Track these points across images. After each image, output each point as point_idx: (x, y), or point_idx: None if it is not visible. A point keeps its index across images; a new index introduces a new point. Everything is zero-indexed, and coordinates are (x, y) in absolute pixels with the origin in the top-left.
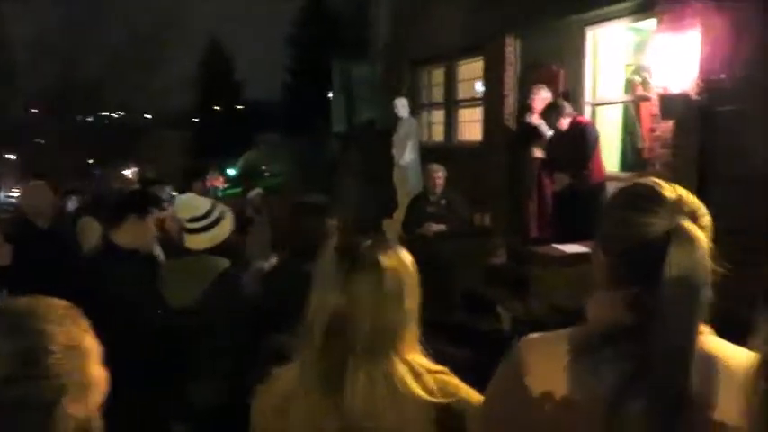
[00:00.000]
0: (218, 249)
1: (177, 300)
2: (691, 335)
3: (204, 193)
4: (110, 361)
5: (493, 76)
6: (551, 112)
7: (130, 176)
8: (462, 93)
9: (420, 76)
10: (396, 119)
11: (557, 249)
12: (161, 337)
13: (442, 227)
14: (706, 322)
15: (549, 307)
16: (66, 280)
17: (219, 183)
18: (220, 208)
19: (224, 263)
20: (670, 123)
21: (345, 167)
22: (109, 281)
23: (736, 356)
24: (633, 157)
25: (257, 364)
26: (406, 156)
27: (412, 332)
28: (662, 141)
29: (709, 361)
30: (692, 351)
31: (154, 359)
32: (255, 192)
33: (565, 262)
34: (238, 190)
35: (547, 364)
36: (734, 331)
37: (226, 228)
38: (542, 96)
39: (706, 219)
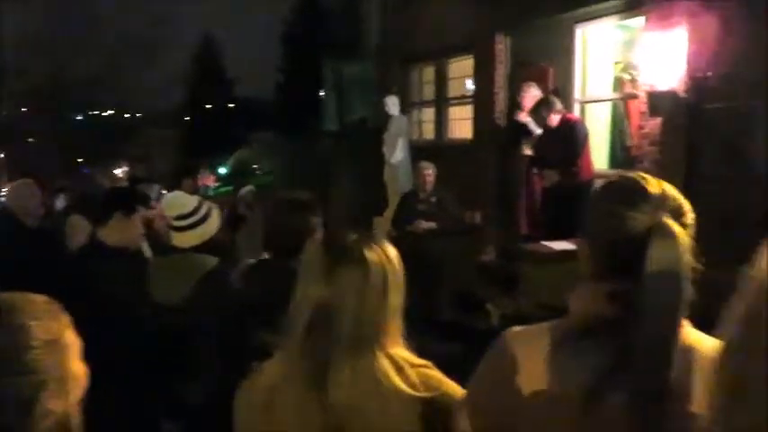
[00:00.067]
0: (205, 247)
1: (165, 297)
2: (672, 329)
3: (195, 191)
4: (97, 359)
5: (483, 74)
6: (542, 108)
7: (121, 175)
8: (453, 91)
9: (411, 73)
10: (386, 117)
11: (546, 246)
12: (148, 335)
13: (432, 224)
14: (688, 318)
15: (539, 304)
16: (53, 278)
17: (211, 181)
18: (207, 205)
19: (211, 261)
20: (658, 120)
21: (337, 166)
22: (95, 279)
23: (714, 349)
24: (622, 155)
25: (244, 361)
26: (397, 154)
27: (396, 326)
28: (650, 138)
29: (689, 354)
30: (673, 345)
31: (141, 357)
32: (247, 189)
33: (554, 259)
34: (230, 188)
35: (535, 359)
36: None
37: (213, 225)
38: (532, 94)
39: (689, 216)
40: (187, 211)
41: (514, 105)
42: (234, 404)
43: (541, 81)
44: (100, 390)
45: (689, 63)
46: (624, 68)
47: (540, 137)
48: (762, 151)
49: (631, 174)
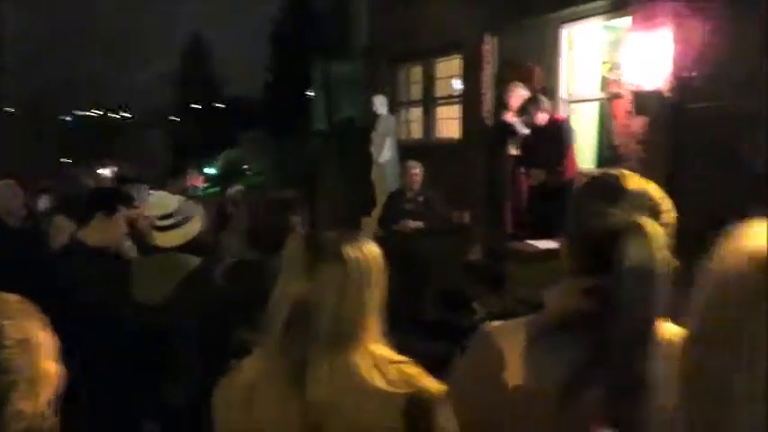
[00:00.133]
0: (188, 246)
1: (147, 297)
2: (647, 324)
3: (182, 192)
4: (77, 359)
5: (471, 74)
6: (530, 106)
7: (109, 175)
8: (440, 90)
9: (399, 73)
10: (374, 116)
11: (532, 245)
12: (129, 335)
13: (419, 224)
14: (669, 314)
15: (525, 302)
16: (34, 278)
17: (199, 182)
18: (190, 205)
19: (194, 260)
20: (643, 120)
21: (325, 165)
22: (73, 279)
23: None
24: (609, 154)
25: (226, 360)
26: (385, 153)
27: (375, 323)
28: (635, 137)
29: (666, 349)
30: (649, 340)
31: (123, 357)
32: (236, 189)
33: (539, 258)
34: (218, 189)
35: (516, 354)
36: None
37: (196, 225)
38: (519, 94)
39: (669, 215)
40: (170, 211)
41: (501, 105)
42: (212, 402)
43: (528, 81)
44: (81, 390)
45: (674, 63)
46: (611, 68)
47: (528, 136)
48: (746, 151)
49: (613, 171)
